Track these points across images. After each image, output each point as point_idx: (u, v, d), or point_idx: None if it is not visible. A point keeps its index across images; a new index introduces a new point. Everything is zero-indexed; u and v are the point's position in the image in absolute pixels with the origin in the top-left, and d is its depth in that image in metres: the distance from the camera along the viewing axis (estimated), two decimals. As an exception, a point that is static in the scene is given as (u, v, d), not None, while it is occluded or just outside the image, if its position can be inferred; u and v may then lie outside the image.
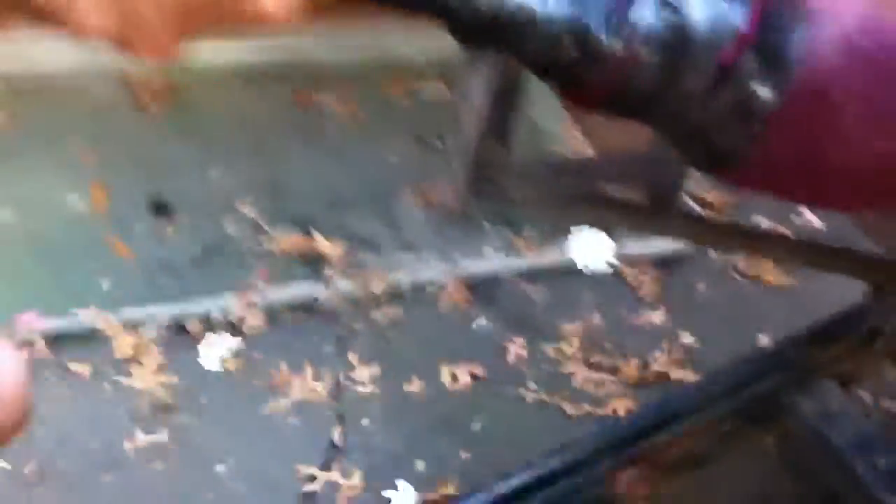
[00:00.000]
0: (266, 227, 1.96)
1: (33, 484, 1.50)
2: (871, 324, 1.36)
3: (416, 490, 1.58)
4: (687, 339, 1.86)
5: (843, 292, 1.30)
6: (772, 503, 1.65)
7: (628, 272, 1.98)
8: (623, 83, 0.51)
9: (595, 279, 1.97)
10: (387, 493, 1.58)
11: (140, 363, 1.69)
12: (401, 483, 1.59)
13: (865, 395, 1.72)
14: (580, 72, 0.50)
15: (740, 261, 2.00)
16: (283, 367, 1.72)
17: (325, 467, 1.59)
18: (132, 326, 1.74)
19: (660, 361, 1.81)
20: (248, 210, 1.97)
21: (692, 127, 0.53)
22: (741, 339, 1.82)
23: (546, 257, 1.98)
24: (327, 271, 1.90)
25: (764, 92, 0.50)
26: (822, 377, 1.51)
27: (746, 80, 0.49)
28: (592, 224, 1.82)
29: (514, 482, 1.40)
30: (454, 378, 1.75)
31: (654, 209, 1.31)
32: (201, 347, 1.74)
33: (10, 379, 0.37)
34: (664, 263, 2.00)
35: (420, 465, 1.62)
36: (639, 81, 0.51)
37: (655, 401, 1.65)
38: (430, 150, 2.13)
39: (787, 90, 0.49)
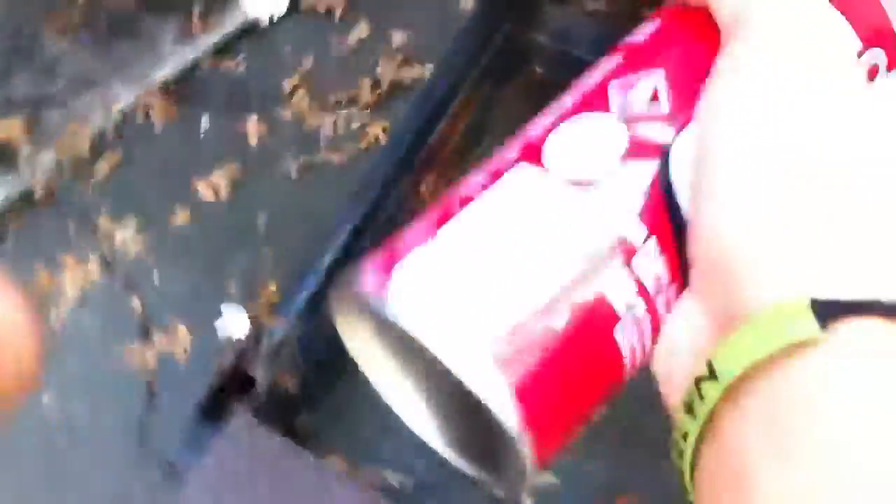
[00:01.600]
0: None
1: None
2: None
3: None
4: (398, 39, 1.82)
5: None
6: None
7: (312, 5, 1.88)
8: None
9: (283, 27, 1.86)
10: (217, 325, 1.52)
11: None
12: (225, 308, 1.53)
13: None
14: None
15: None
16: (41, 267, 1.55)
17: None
18: None
19: (387, 73, 1.78)
20: None
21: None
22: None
23: (226, 27, 1.84)
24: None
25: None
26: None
27: None
28: None
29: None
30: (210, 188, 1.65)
31: None
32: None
33: (22, 329, 0.30)
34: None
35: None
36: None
37: (411, 104, 1.65)
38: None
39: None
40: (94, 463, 1.44)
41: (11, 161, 1.68)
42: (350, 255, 1.40)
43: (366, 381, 0.41)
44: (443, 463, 0.41)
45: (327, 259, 1.40)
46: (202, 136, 1.73)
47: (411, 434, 0.41)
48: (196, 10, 1.84)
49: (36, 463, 1.45)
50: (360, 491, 1.26)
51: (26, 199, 1.66)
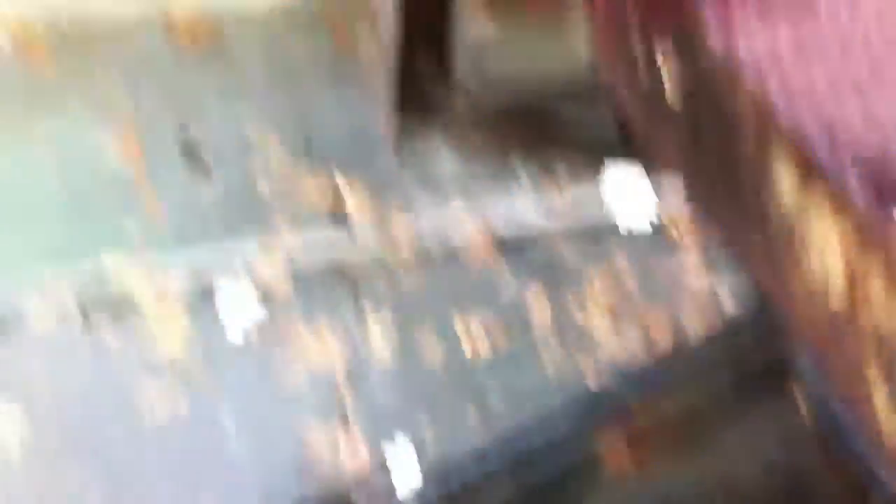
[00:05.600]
0: (292, 171, 1.93)
1: (55, 451, 1.55)
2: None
3: (416, 450, 1.56)
4: (728, 305, 1.75)
5: None
6: (803, 476, 1.56)
7: (670, 228, 1.87)
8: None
9: (632, 234, 1.87)
10: (386, 449, 1.57)
11: (160, 316, 1.72)
12: (400, 439, 1.57)
13: None
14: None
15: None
16: (300, 324, 1.71)
17: (331, 431, 1.60)
18: (155, 274, 1.76)
19: (692, 322, 1.72)
20: (277, 153, 1.95)
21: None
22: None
23: (582, 208, 1.88)
24: (349, 216, 1.87)
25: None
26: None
27: None
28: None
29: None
30: (468, 329, 1.71)
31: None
32: (220, 299, 1.75)
33: None
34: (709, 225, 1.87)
35: (426, 427, 1.60)
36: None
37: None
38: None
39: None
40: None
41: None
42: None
43: None
44: None
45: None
46: (493, 283, 1.80)
47: None
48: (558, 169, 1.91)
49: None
50: None
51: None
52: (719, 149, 0.77)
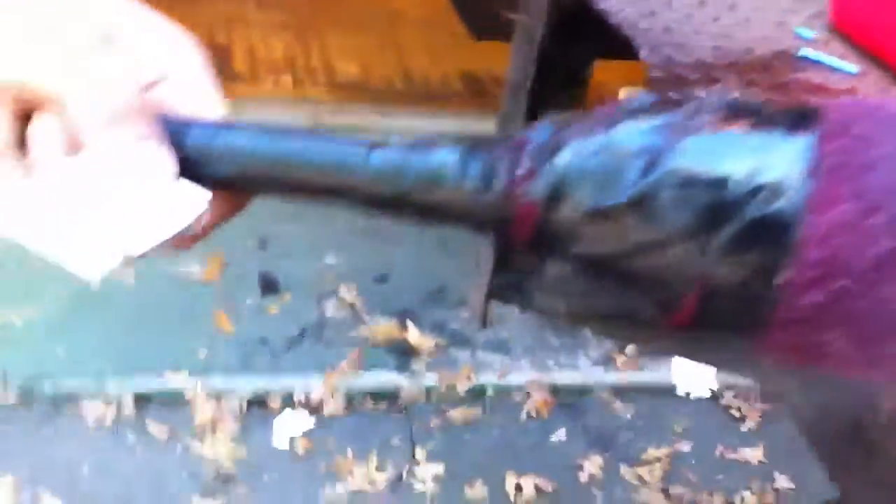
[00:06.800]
0: (364, 315, 1.98)
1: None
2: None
3: None
4: (782, 482, 1.70)
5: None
6: None
7: (730, 401, 1.85)
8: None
9: (692, 404, 1.85)
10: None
11: (214, 432, 1.73)
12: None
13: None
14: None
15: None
16: (350, 453, 1.71)
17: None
18: (216, 395, 1.79)
19: (746, 502, 1.66)
20: (351, 296, 2.01)
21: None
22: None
23: (643, 374, 1.88)
24: (414, 364, 1.89)
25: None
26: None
27: None
28: (632, 343, 1.72)
29: None
30: (519, 489, 1.68)
31: (703, 338, 1.22)
32: (275, 423, 1.77)
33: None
34: (773, 397, 1.85)
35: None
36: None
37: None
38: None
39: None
40: None
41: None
42: None
43: None
44: None
45: None
46: (549, 443, 1.78)
47: None
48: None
49: None
50: None
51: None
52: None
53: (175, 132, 0.42)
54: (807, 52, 0.88)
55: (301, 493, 1.66)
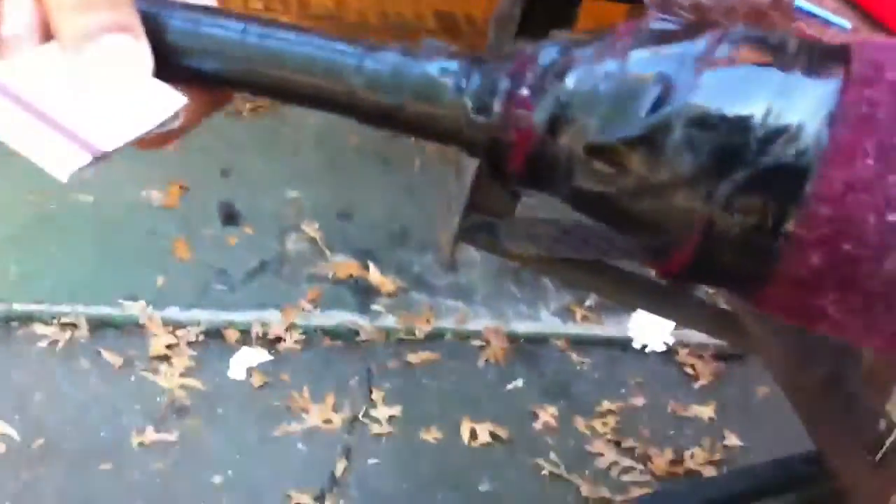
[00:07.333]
0: (326, 252, 1.96)
1: (35, 459, 1.53)
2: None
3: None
4: (732, 440, 1.73)
5: None
6: None
7: (685, 358, 1.87)
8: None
9: (647, 359, 1.87)
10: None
11: (170, 362, 1.72)
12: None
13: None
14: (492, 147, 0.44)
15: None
16: (306, 391, 1.70)
17: (320, 499, 1.56)
18: (172, 326, 1.77)
19: (696, 458, 1.70)
20: (313, 231, 1.99)
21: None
22: (791, 450, 1.67)
23: (601, 327, 1.89)
24: (374, 305, 1.88)
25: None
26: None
27: None
28: (597, 294, 1.73)
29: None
30: (473, 435, 1.69)
31: (667, 292, 1.23)
32: (232, 358, 1.75)
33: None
34: (727, 356, 1.88)
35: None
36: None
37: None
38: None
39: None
40: None
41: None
42: None
43: None
44: None
45: None
46: (505, 391, 1.79)
47: None
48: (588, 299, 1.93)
49: None
50: None
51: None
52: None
53: (155, 19, 0.39)
54: (802, 3, 0.87)
55: (256, 427, 1.65)
